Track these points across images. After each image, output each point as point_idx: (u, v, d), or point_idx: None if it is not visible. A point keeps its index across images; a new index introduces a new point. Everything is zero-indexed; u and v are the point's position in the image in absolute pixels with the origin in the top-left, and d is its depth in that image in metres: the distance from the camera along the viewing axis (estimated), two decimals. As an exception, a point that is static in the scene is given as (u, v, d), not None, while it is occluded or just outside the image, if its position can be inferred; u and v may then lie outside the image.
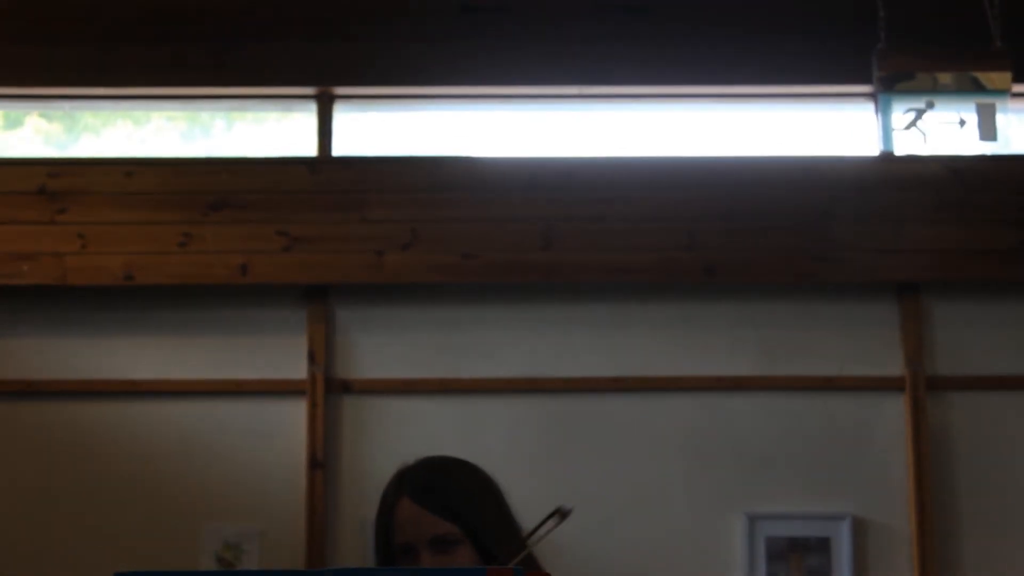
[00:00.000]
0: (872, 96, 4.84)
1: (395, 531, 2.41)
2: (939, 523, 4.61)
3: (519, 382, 4.70)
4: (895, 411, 4.68)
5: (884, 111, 4.74)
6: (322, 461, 4.60)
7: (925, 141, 4.75)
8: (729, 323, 4.76)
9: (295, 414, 4.65)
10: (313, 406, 4.63)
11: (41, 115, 4.99)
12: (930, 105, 4.74)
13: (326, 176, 4.75)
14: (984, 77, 4.71)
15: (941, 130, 4.74)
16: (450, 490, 2.43)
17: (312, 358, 4.68)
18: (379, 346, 4.74)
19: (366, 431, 4.67)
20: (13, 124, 4.98)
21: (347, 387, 4.70)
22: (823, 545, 4.59)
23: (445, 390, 4.70)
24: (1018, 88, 4.77)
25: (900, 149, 4.75)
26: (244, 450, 4.66)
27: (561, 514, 2.27)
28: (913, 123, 4.74)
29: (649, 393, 4.68)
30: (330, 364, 4.70)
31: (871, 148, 4.84)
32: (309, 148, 4.86)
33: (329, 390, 4.67)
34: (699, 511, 4.64)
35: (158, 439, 4.66)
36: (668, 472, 4.67)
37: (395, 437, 4.63)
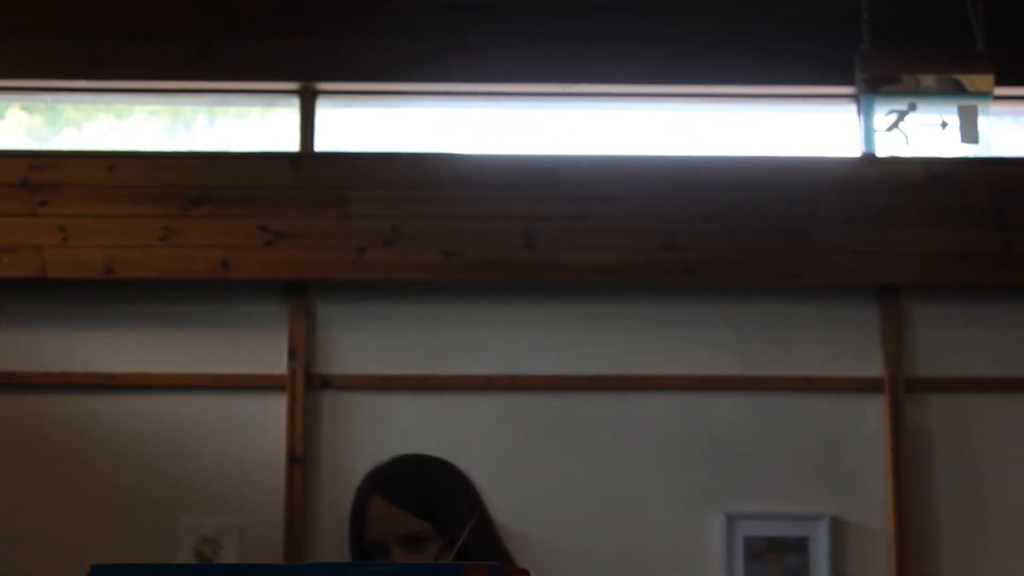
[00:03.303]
0: (855, 97, 4.85)
1: (367, 528, 2.41)
2: (917, 524, 4.62)
3: (499, 380, 4.70)
4: (874, 412, 4.69)
5: (866, 113, 4.75)
6: (301, 456, 4.59)
7: (907, 143, 4.75)
8: (709, 323, 4.76)
9: (275, 409, 4.64)
10: (293, 401, 4.62)
11: (23, 108, 4.97)
12: (912, 107, 4.74)
13: (308, 172, 4.74)
14: (966, 79, 4.72)
15: (923, 132, 4.75)
16: (422, 488, 2.42)
17: (292, 353, 4.67)
18: (359, 342, 4.73)
19: (345, 427, 4.67)
20: (-5, 116, 4.96)
21: (327, 383, 4.69)
22: (801, 545, 4.60)
23: (425, 387, 4.70)
24: (1000, 91, 4.78)
25: (882, 151, 4.76)
26: (223, 445, 4.65)
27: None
28: (895, 125, 4.74)
29: (629, 392, 4.69)
30: (310, 360, 4.69)
31: (853, 149, 4.85)
32: (291, 144, 4.86)
33: (309, 386, 4.66)
34: (678, 510, 4.64)
35: (137, 433, 4.65)
36: (647, 471, 4.67)
37: (374, 433, 4.63)
